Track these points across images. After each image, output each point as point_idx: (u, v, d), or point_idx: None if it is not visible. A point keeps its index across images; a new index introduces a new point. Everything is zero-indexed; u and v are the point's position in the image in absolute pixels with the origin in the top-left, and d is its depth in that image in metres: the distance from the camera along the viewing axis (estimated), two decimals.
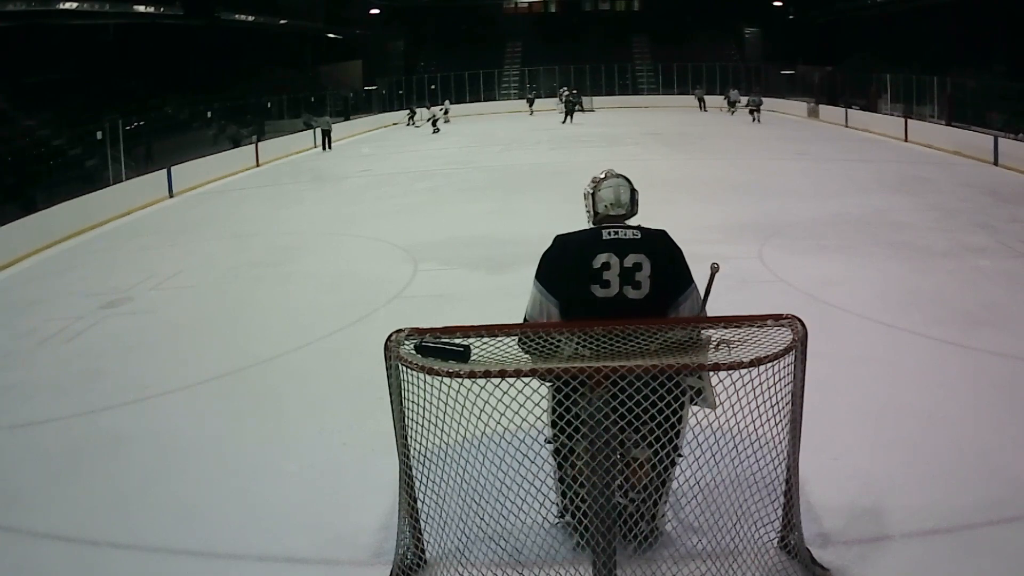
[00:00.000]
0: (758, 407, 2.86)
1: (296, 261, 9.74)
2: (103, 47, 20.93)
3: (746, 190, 12.99)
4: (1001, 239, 9.09)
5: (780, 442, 3.02)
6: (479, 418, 2.77)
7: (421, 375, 2.85)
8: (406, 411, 2.99)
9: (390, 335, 2.97)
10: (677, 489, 3.31)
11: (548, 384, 3.10)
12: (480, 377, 2.69)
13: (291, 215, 13.35)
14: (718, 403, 2.94)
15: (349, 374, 5.73)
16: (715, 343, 3.01)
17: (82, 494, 4.31)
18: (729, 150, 19.09)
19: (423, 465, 3.08)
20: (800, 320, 2.96)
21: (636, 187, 3.58)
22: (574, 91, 31.34)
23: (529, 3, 41.11)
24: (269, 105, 25.72)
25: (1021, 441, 4.33)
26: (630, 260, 3.26)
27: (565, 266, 3.35)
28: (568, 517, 3.39)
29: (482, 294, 7.65)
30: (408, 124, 30.38)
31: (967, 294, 7.11)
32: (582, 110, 30.84)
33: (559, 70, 35.64)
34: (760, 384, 2.84)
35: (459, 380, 2.74)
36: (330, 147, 23.69)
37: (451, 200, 13.73)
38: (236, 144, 21.46)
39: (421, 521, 3.24)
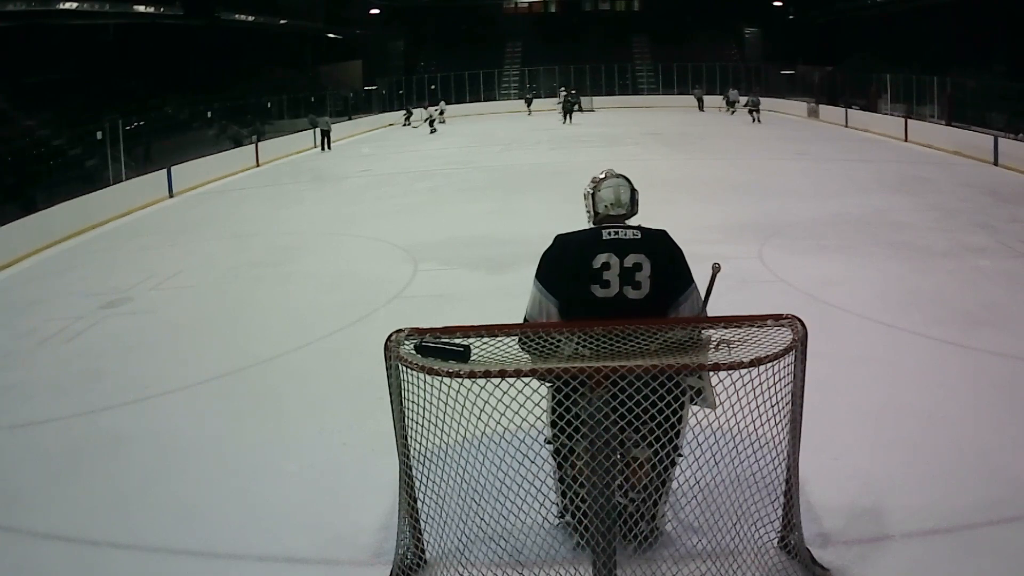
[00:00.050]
0: (758, 407, 2.86)
1: (296, 261, 9.74)
2: (103, 47, 20.94)
3: (746, 190, 12.99)
4: (1001, 239, 9.09)
5: (780, 442, 3.02)
6: (479, 418, 2.77)
7: (421, 375, 2.85)
8: (406, 411, 2.99)
9: (390, 335, 2.97)
10: (677, 489, 3.31)
11: (548, 384, 3.10)
12: (480, 377, 2.69)
13: (291, 215, 13.36)
14: (718, 403, 2.94)
15: (349, 374, 5.73)
16: (715, 343, 3.01)
17: (82, 494, 4.31)
18: (729, 150, 19.09)
19: (423, 465, 3.08)
20: (800, 320, 2.96)
21: (636, 187, 3.58)
22: (573, 91, 31.31)
23: (529, 3, 41.12)
24: (269, 105, 25.72)
25: (1021, 441, 4.33)
26: (630, 260, 3.26)
27: (565, 266, 3.35)
28: (568, 517, 3.39)
29: (482, 294, 7.65)
30: (404, 124, 30.34)
31: (967, 294, 7.10)
32: (581, 110, 30.83)
33: (559, 70, 35.65)
34: (760, 384, 2.84)
35: (459, 380, 2.74)
36: (329, 147, 23.69)
37: (451, 200, 13.73)
38: (237, 144, 21.47)
39: (421, 521, 3.24)
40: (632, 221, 3.52)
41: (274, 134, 23.91)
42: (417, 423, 2.97)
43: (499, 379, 2.69)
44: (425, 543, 3.34)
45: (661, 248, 3.34)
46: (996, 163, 15.17)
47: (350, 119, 30.12)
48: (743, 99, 28.40)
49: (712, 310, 3.49)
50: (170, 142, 18.70)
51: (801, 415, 3.10)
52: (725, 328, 3.00)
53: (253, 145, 21.35)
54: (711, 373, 3.16)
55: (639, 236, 3.33)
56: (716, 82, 33.71)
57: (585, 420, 2.82)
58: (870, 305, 6.81)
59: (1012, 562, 3.31)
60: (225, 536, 3.78)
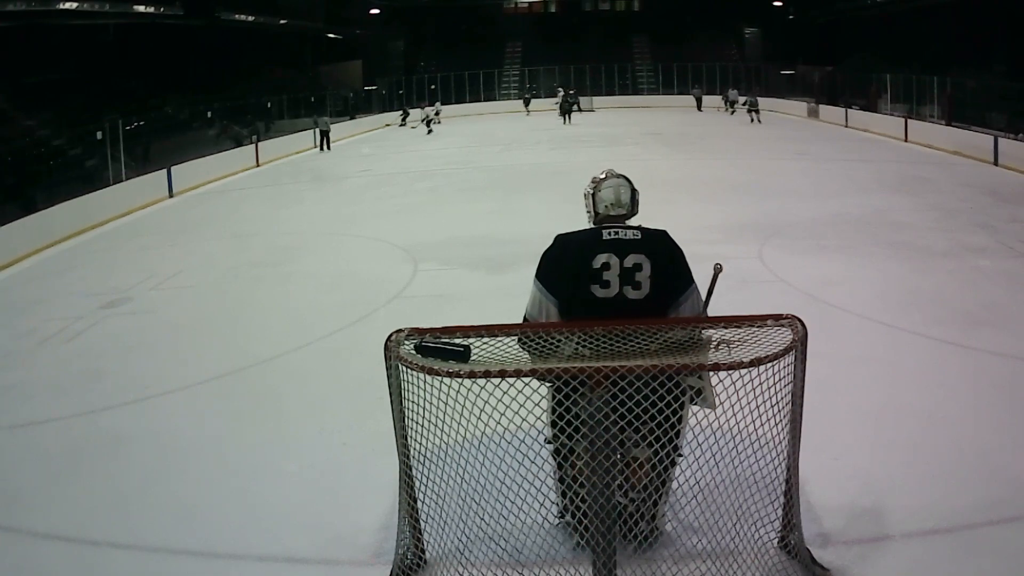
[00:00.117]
0: (758, 407, 2.86)
1: (296, 261, 9.74)
2: (103, 47, 20.94)
3: (746, 190, 12.99)
4: (1001, 239, 9.09)
5: (780, 442, 3.02)
6: (479, 418, 2.77)
7: (421, 375, 2.85)
8: (406, 411, 2.99)
9: (390, 335, 2.97)
10: (677, 489, 3.30)
11: (548, 384, 3.10)
12: (480, 377, 2.69)
13: (291, 215, 13.36)
14: (718, 403, 2.94)
15: (349, 374, 5.73)
16: (715, 343, 3.01)
17: (82, 494, 4.31)
18: (729, 150, 19.09)
19: (423, 465, 3.08)
20: (800, 320, 2.96)
21: (636, 187, 3.58)
22: (571, 91, 31.24)
23: (529, 3, 41.12)
24: (269, 105, 25.71)
25: (1021, 441, 4.33)
26: (630, 260, 3.26)
27: (565, 266, 3.35)
28: (568, 517, 3.39)
29: (482, 294, 7.65)
30: (401, 125, 30.30)
31: (967, 294, 7.10)
32: (580, 110, 30.80)
33: (559, 70, 35.66)
34: (760, 384, 2.84)
35: (459, 380, 2.74)
36: (329, 147, 23.69)
37: (451, 200, 13.73)
38: (237, 144, 21.47)
39: (421, 521, 3.24)
40: (632, 221, 3.52)
41: (274, 134, 23.92)
42: (417, 423, 2.97)
43: (499, 379, 2.69)
44: (425, 543, 3.34)
45: (661, 248, 3.34)
46: (996, 163, 15.17)
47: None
48: (742, 99, 28.40)
49: (712, 310, 3.49)
50: (170, 142, 18.70)
51: (801, 415, 3.10)
52: (725, 328, 3.00)
53: (253, 145, 21.35)
54: (711, 373, 3.16)
55: (639, 236, 3.33)
56: (716, 82, 33.71)
57: (585, 420, 2.82)
58: (870, 305, 6.81)
59: (1012, 562, 3.31)
60: (225, 536, 3.78)
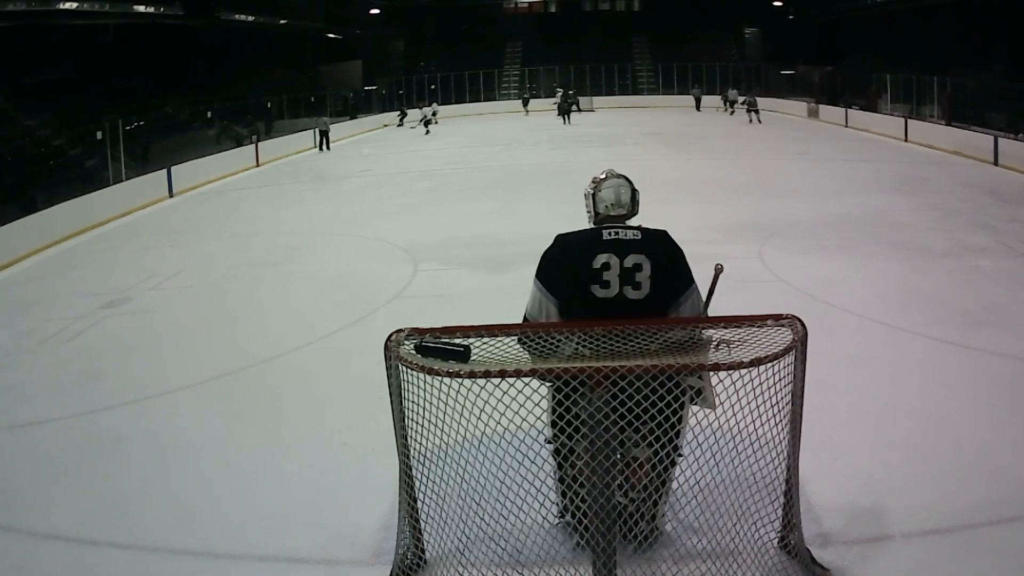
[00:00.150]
0: (758, 407, 2.86)
1: (296, 261, 9.74)
2: (103, 47, 20.94)
3: (746, 190, 12.99)
4: (1001, 239, 9.09)
5: (780, 442, 3.02)
6: (479, 418, 2.77)
7: (421, 375, 2.85)
8: (406, 411, 2.99)
9: (390, 335, 2.97)
10: (677, 489, 3.30)
11: (548, 384, 3.10)
12: (480, 377, 2.69)
13: (291, 215, 13.36)
14: (718, 403, 2.94)
15: (349, 374, 5.73)
16: (715, 343, 3.01)
17: (82, 494, 4.31)
18: (729, 150, 19.10)
19: (423, 465, 3.08)
20: (800, 320, 2.96)
21: (636, 187, 3.58)
22: (571, 91, 31.20)
23: (529, 3, 41.12)
24: (269, 105, 25.72)
25: (1021, 441, 4.33)
26: (630, 261, 3.26)
27: (565, 266, 3.35)
28: (568, 517, 3.39)
29: (482, 294, 7.65)
30: (399, 125, 30.28)
31: (967, 294, 7.10)
32: (579, 110, 30.78)
33: (559, 70, 35.65)
34: (760, 384, 2.84)
35: (459, 380, 2.74)
36: (328, 147, 23.69)
37: (451, 200, 13.73)
38: (237, 144, 21.48)
39: (421, 521, 3.24)
40: (633, 221, 3.52)
41: (274, 134, 23.92)
42: (417, 423, 2.97)
43: (499, 379, 2.69)
44: (425, 543, 3.34)
45: (661, 248, 3.34)
46: (996, 163, 15.17)
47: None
48: (741, 99, 28.40)
49: (712, 310, 3.49)
50: (170, 142, 18.70)
51: (801, 415, 3.10)
52: (725, 328, 2.99)
53: (253, 145, 21.35)
54: (711, 373, 3.16)
55: (639, 236, 3.33)
56: (716, 82, 33.71)
57: (585, 420, 2.82)
58: (870, 305, 6.81)
59: (1012, 562, 3.31)
60: (225, 536, 3.78)
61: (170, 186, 16.14)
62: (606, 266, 3.25)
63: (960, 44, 21.85)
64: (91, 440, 5.03)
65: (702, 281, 3.44)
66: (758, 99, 26.96)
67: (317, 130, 24.02)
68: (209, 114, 22.32)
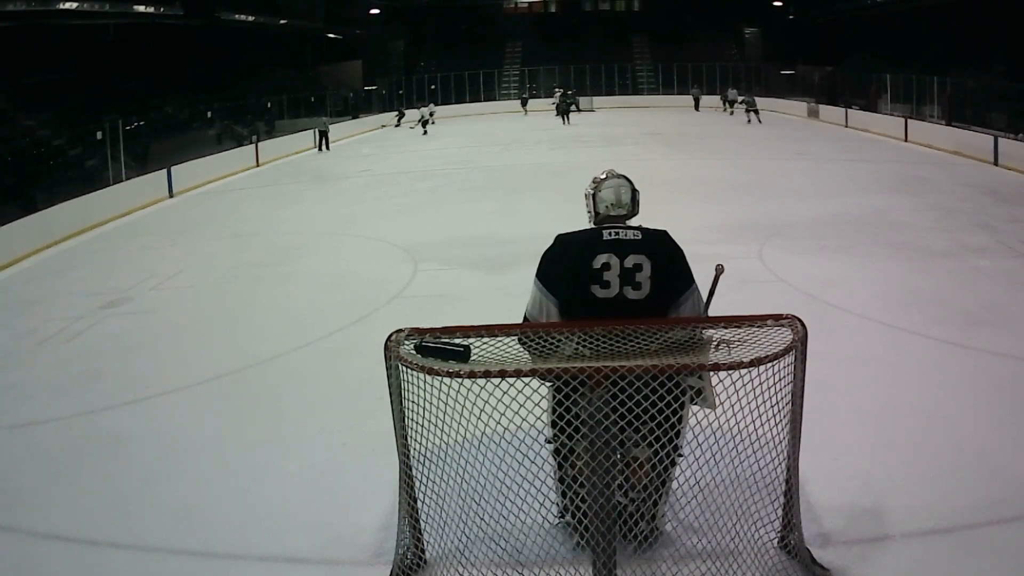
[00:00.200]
0: (758, 407, 2.86)
1: (296, 261, 9.74)
2: (103, 47, 20.94)
3: (746, 190, 12.99)
4: (1001, 239, 9.09)
5: (780, 442, 3.02)
6: (479, 418, 2.77)
7: (421, 375, 2.85)
8: (406, 411, 2.99)
9: (390, 335, 2.97)
10: (677, 489, 3.30)
11: (548, 384, 3.10)
12: (480, 377, 2.69)
13: (291, 215, 13.36)
14: (718, 403, 2.94)
15: (349, 374, 5.73)
16: (715, 343, 3.01)
17: (82, 494, 4.31)
18: (729, 150, 19.09)
19: (423, 465, 3.08)
20: (800, 320, 2.96)
21: (636, 187, 3.59)
22: (569, 91, 31.16)
23: (529, 3, 41.12)
24: (269, 105, 25.72)
25: (1021, 441, 4.33)
26: (630, 261, 3.26)
27: (566, 266, 3.35)
28: (568, 517, 3.39)
29: (482, 294, 7.65)
30: (396, 126, 30.27)
31: (967, 294, 7.11)
32: (578, 110, 30.75)
33: (559, 70, 35.65)
34: (760, 384, 2.84)
35: (459, 380, 2.74)
36: (328, 147, 23.68)
37: (451, 200, 13.73)
38: (237, 144, 21.48)
39: (421, 521, 3.24)
40: (633, 221, 3.52)
41: (274, 134, 23.91)
42: (417, 423, 2.97)
43: (499, 379, 2.69)
44: (425, 543, 3.34)
45: (661, 248, 3.34)
46: (996, 163, 15.17)
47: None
48: (740, 99, 28.39)
49: (712, 310, 3.50)
50: (170, 142, 18.70)
51: (801, 415, 3.10)
52: (725, 328, 3.00)
53: (253, 145, 21.35)
54: (711, 373, 3.16)
55: (640, 237, 3.33)
56: (716, 82, 33.70)
57: (585, 420, 2.82)
58: (870, 305, 6.81)
59: (1012, 562, 3.31)
60: (225, 536, 3.78)
61: (170, 186, 16.14)
62: (606, 266, 3.25)
63: (960, 44, 21.85)
64: (91, 440, 5.03)
65: (703, 281, 3.44)
66: (757, 99, 26.95)
67: (316, 130, 24.02)
68: (209, 114, 22.33)
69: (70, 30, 19.37)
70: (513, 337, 3.05)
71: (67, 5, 18.74)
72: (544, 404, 3.12)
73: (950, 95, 20.35)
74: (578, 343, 3.01)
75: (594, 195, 3.54)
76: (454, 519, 3.12)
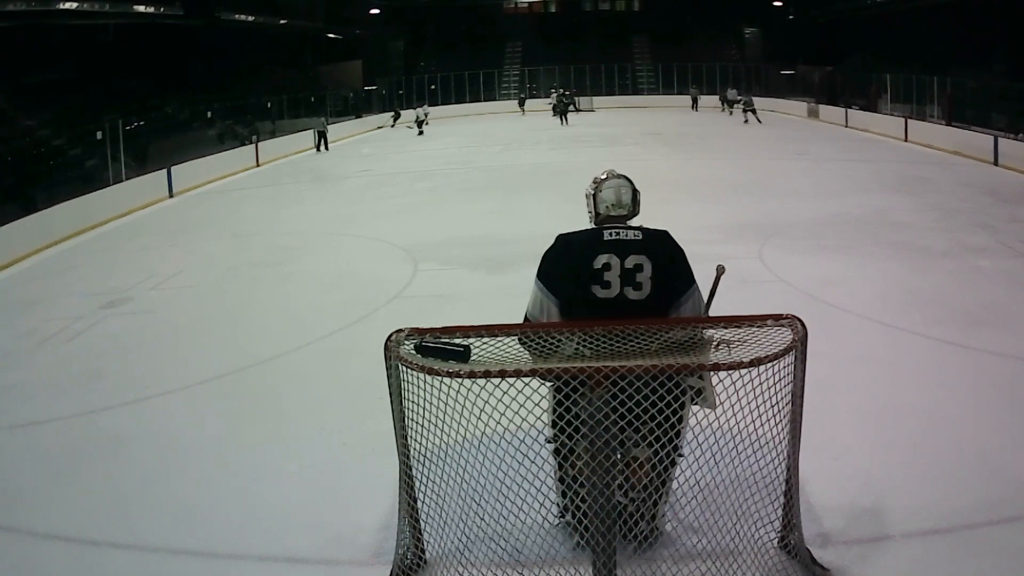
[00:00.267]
0: (758, 407, 2.86)
1: (296, 261, 9.74)
2: (103, 47, 20.93)
3: (746, 190, 12.99)
4: (1001, 239, 9.09)
5: (780, 442, 3.02)
6: (479, 418, 2.77)
7: (421, 375, 2.85)
8: (406, 411, 2.99)
9: (390, 335, 2.97)
10: (677, 489, 3.31)
11: (548, 384, 3.10)
12: (480, 377, 2.69)
13: (291, 215, 13.36)
14: (718, 403, 2.94)
15: (349, 374, 5.73)
16: (715, 343, 3.01)
17: (82, 494, 4.31)
18: (729, 150, 19.09)
19: (423, 465, 3.08)
20: (800, 320, 2.96)
21: (637, 187, 3.58)
22: (568, 91, 31.10)
23: (529, 3, 41.10)
24: (269, 105, 25.72)
25: (1021, 441, 4.33)
26: (631, 261, 3.26)
27: (566, 266, 3.35)
28: (568, 517, 3.39)
29: (482, 294, 7.65)
30: (393, 126, 30.20)
31: (967, 294, 7.11)
32: (577, 110, 30.70)
33: (559, 70, 35.63)
34: (760, 384, 2.84)
35: (459, 380, 2.74)
36: (327, 148, 23.67)
37: (451, 200, 13.73)
38: (240, 144, 21.48)
39: (421, 521, 3.24)
40: (634, 222, 3.52)
41: (274, 134, 23.91)
42: (417, 423, 2.97)
43: (499, 379, 2.69)
44: (425, 543, 3.34)
45: (662, 249, 3.34)
46: (996, 163, 15.17)
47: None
48: (739, 99, 28.38)
49: (712, 310, 3.50)
50: (170, 142, 18.69)
51: (801, 415, 3.10)
52: (725, 328, 3.00)
53: (253, 145, 21.35)
54: (711, 373, 3.16)
55: (640, 237, 3.33)
56: (716, 82, 33.69)
57: (585, 420, 2.82)
58: (870, 305, 6.81)
59: (1012, 562, 3.31)
60: (225, 536, 3.78)
61: (170, 186, 16.14)
62: (607, 266, 3.25)
63: (960, 44, 21.85)
64: (91, 440, 5.03)
65: (703, 282, 3.44)
66: (757, 99, 26.93)
67: (315, 131, 24.01)
68: (209, 114, 22.33)
69: (70, 30, 19.37)
70: (513, 337, 3.05)
71: (67, 5, 18.73)
72: (544, 404, 3.12)
73: (950, 95, 20.34)
74: (578, 343, 3.01)
75: (595, 195, 3.54)
76: (454, 519, 3.12)
